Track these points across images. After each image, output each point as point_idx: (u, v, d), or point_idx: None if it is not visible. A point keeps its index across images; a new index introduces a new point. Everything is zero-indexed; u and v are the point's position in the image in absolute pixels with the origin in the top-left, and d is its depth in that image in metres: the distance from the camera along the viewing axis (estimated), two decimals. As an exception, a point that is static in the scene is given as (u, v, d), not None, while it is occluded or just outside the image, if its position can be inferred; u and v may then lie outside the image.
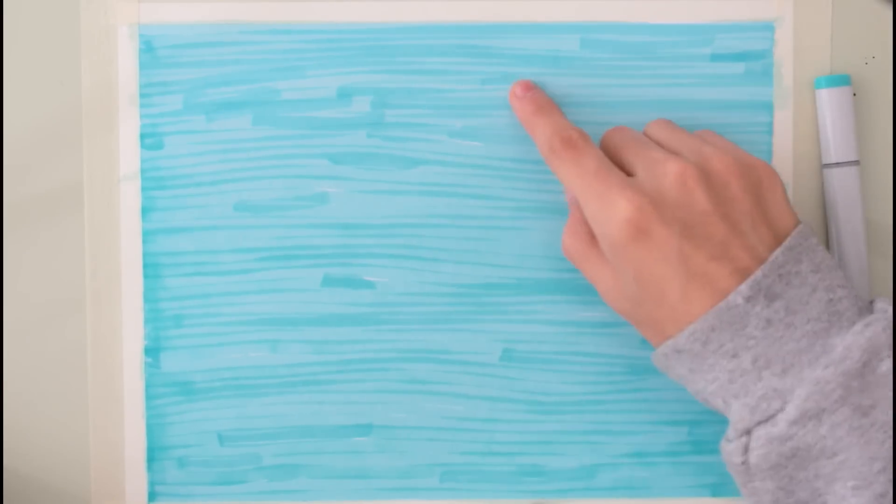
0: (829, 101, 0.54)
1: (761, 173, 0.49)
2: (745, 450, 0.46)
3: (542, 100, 0.55)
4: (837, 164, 0.55)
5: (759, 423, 0.45)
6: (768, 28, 0.57)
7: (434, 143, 0.57)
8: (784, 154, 0.57)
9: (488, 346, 0.58)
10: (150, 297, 0.58)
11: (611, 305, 0.51)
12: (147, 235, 0.58)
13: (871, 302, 0.48)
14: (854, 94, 0.57)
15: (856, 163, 0.55)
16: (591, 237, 0.51)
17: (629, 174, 0.50)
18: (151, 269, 0.58)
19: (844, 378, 0.44)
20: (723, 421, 0.55)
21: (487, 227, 0.58)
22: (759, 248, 0.46)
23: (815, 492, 0.45)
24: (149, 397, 0.58)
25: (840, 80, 0.55)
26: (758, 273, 0.45)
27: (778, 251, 0.46)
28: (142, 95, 0.57)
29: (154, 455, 0.58)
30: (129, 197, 0.58)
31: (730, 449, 0.47)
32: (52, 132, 0.58)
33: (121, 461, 0.58)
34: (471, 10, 0.57)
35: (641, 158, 0.49)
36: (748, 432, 0.46)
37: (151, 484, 0.58)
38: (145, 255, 0.58)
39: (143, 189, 0.58)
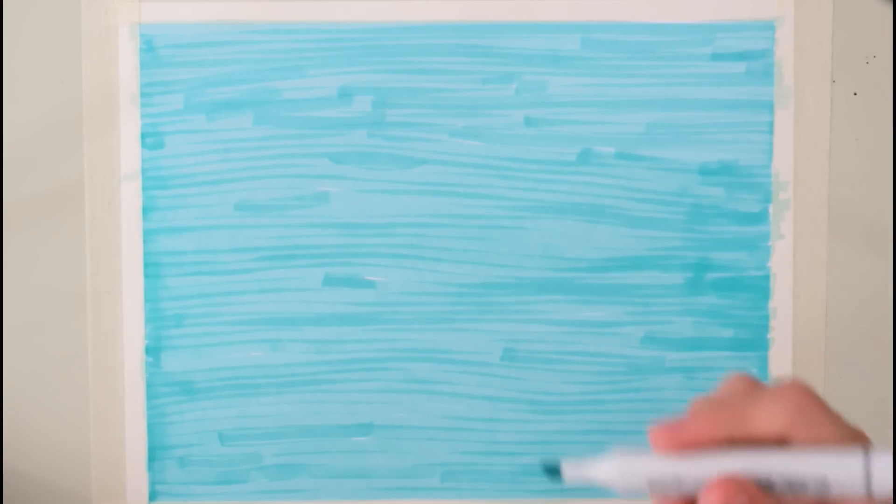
0: None
1: None
2: None
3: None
4: None
5: None
6: (769, 27, 0.57)
7: (435, 143, 0.57)
8: (785, 153, 0.57)
9: (489, 345, 0.58)
10: (150, 297, 0.58)
11: None
12: (148, 235, 0.58)
13: None
14: (854, 94, 0.57)
15: None
16: None
17: None
18: (152, 269, 0.58)
19: None
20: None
21: (487, 226, 0.58)
22: None
23: None
24: (150, 397, 0.58)
25: None
26: None
27: None
28: (142, 95, 0.57)
29: (155, 454, 0.58)
30: (130, 196, 0.58)
31: None
32: (53, 131, 0.58)
33: (122, 460, 0.58)
34: (471, 10, 0.57)
35: None
36: None
37: (152, 483, 0.58)
38: (146, 254, 0.58)
39: (144, 188, 0.58)
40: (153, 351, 0.58)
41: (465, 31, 0.57)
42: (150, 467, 0.58)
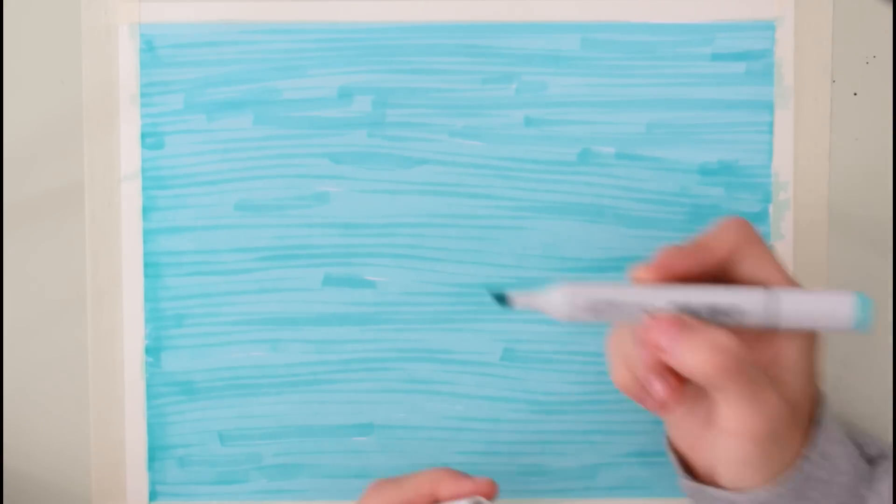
0: None
1: None
2: None
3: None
4: None
5: None
6: (769, 27, 0.57)
7: (435, 143, 0.58)
8: (785, 153, 0.57)
9: (489, 345, 0.58)
10: (150, 297, 0.58)
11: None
12: (148, 235, 0.58)
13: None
14: (854, 94, 0.57)
15: None
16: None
17: None
18: (152, 269, 0.58)
19: None
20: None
21: (488, 226, 0.58)
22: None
23: None
24: (150, 397, 0.58)
25: None
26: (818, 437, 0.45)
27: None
28: (142, 95, 0.57)
29: (155, 454, 0.58)
30: (130, 196, 0.58)
31: None
32: (53, 131, 0.58)
33: (122, 460, 0.58)
34: (471, 10, 0.57)
35: None
36: None
37: (152, 483, 0.58)
38: (146, 254, 0.58)
39: (144, 188, 0.58)
40: (153, 351, 0.58)
41: (465, 31, 0.57)
42: (150, 467, 0.58)
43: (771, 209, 0.57)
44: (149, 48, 0.57)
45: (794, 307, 0.40)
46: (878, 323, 0.58)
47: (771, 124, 0.57)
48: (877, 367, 0.58)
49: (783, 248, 0.57)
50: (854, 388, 0.58)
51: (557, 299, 0.41)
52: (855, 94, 0.57)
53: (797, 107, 0.57)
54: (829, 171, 0.57)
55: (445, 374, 0.58)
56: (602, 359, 0.58)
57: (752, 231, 0.44)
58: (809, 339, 0.44)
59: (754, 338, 0.43)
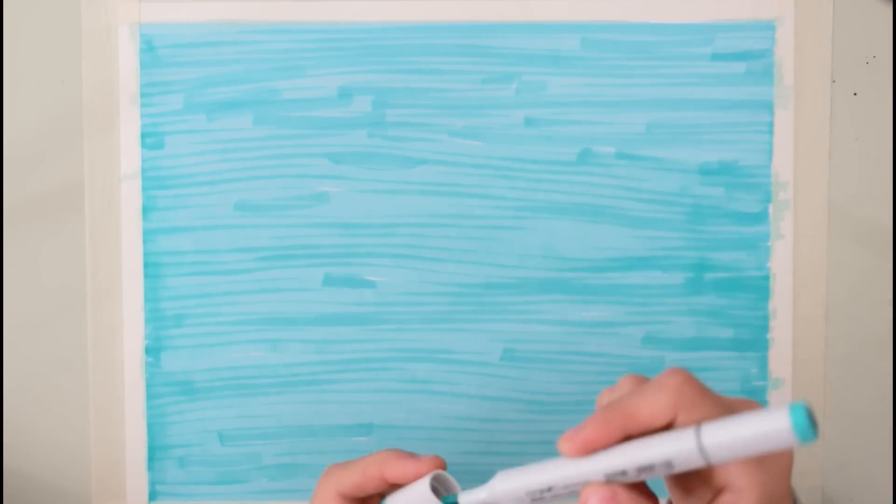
0: None
1: None
2: None
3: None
4: None
5: None
6: (769, 28, 0.57)
7: (435, 143, 0.58)
8: (785, 153, 0.57)
9: (489, 345, 0.58)
10: (150, 297, 0.58)
11: None
12: (148, 235, 0.58)
13: None
14: (854, 94, 0.57)
15: None
16: None
17: None
18: (152, 269, 0.58)
19: None
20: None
21: (488, 226, 0.58)
22: None
23: None
24: (149, 397, 0.58)
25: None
26: None
27: None
28: (142, 95, 0.57)
29: (155, 454, 0.58)
30: (130, 196, 0.58)
31: None
32: (53, 132, 0.58)
33: (122, 460, 0.58)
34: (471, 10, 0.57)
35: None
36: None
37: (152, 483, 0.58)
38: (146, 254, 0.58)
39: (144, 188, 0.58)
40: (153, 351, 0.58)
41: (465, 31, 0.57)
42: (150, 467, 0.58)
43: (771, 209, 0.57)
44: (149, 48, 0.57)
45: (723, 441, 0.35)
46: (877, 323, 0.58)
47: (771, 124, 0.57)
48: (877, 367, 0.58)
49: (783, 248, 0.57)
50: (854, 388, 0.58)
51: (489, 493, 0.41)
52: (855, 94, 0.57)
53: (797, 107, 0.57)
54: (829, 171, 0.57)
55: (445, 374, 0.58)
56: (602, 359, 0.58)
57: (690, 392, 0.38)
58: (762, 470, 0.38)
59: (700, 479, 0.39)
